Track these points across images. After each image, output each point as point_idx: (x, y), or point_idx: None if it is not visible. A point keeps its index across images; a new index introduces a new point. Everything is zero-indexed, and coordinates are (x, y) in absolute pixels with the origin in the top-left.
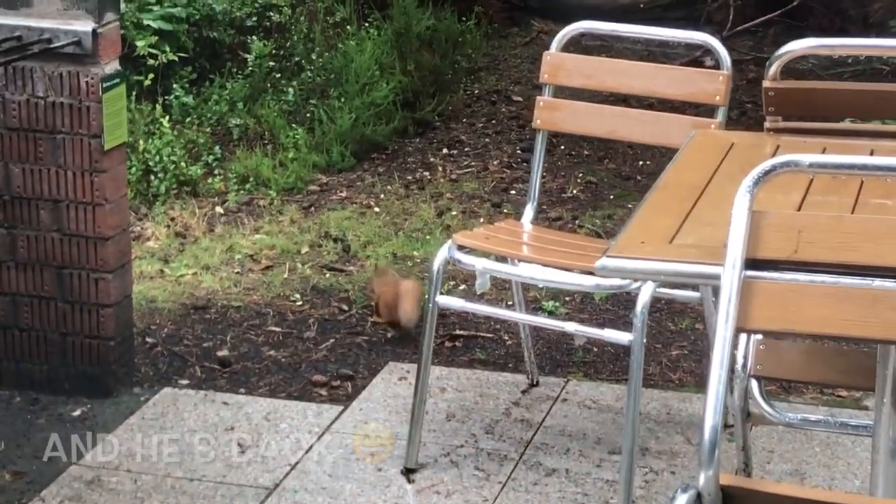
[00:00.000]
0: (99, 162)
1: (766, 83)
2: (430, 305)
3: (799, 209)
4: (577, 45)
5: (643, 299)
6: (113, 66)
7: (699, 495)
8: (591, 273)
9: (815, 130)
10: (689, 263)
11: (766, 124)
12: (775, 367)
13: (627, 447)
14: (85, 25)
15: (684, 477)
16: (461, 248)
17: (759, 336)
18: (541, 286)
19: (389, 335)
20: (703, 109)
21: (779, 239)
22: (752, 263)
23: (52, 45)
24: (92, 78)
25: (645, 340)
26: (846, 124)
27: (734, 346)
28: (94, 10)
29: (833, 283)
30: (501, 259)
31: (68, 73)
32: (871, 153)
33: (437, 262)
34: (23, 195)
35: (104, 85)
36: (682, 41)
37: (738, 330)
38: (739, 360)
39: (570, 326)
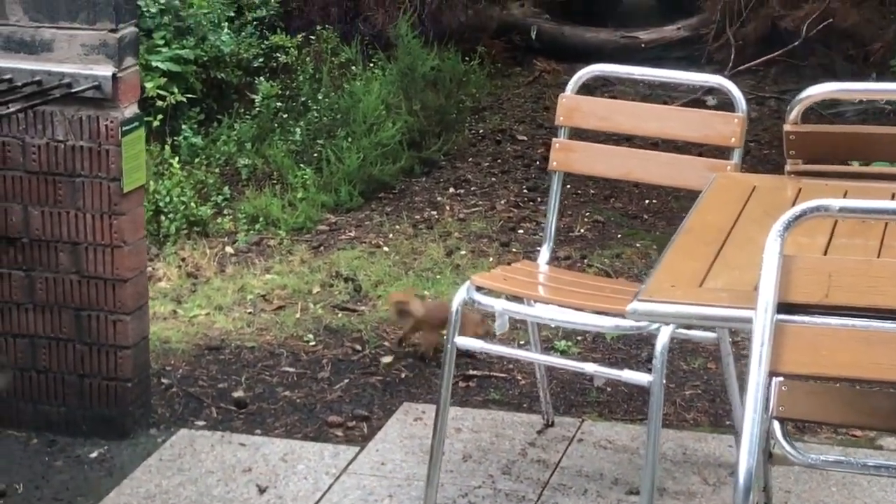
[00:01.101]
0: (118, 205)
1: (787, 127)
2: (449, 346)
3: (825, 252)
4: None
5: (662, 340)
6: (132, 109)
7: None
8: (606, 314)
9: (836, 173)
10: (720, 307)
11: (787, 167)
12: (797, 409)
13: (647, 489)
14: (105, 70)
15: None
16: (479, 289)
17: (782, 378)
18: (556, 326)
19: (403, 375)
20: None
21: (809, 283)
22: (783, 307)
23: (72, 90)
24: (111, 122)
25: (664, 381)
26: (866, 167)
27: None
28: (114, 55)
29: (863, 327)
30: (516, 299)
31: (88, 117)
32: (893, 197)
33: (456, 303)
34: (42, 238)
35: (123, 128)
36: (694, 83)
37: (771, 374)
38: (761, 401)
39: (590, 368)
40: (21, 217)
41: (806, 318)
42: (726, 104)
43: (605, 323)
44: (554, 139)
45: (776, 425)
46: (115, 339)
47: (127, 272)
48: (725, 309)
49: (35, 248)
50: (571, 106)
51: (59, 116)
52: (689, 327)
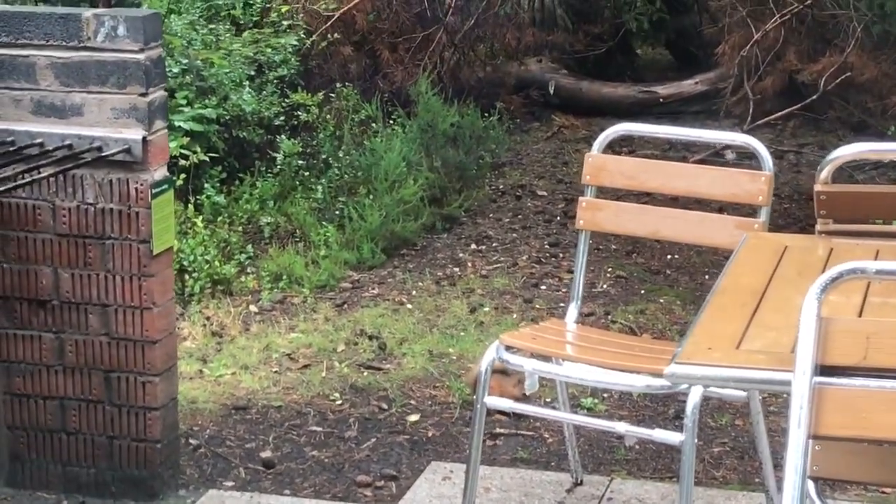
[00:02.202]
0: (147, 266)
1: (817, 187)
2: (479, 406)
3: (860, 312)
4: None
5: (694, 400)
6: (161, 171)
7: None
8: (636, 373)
9: (867, 233)
10: (758, 370)
11: (818, 227)
12: (832, 468)
13: None
14: (135, 133)
15: None
16: (509, 348)
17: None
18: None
19: (430, 434)
20: (735, 207)
21: (848, 345)
22: (821, 369)
23: (103, 154)
24: (141, 184)
25: (695, 440)
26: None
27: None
28: (144, 118)
29: None
30: (545, 358)
31: (118, 180)
32: None
33: (485, 362)
34: (71, 300)
35: (153, 191)
36: (720, 142)
37: (811, 437)
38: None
39: (621, 428)
40: (51, 280)
41: (844, 381)
42: (745, 157)
43: (637, 382)
44: (581, 198)
45: (811, 485)
46: (145, 401)
47: (156, 334)
48: (764, 371)
49: (65, 311)
50: (598, 165)
51: (89, 179)
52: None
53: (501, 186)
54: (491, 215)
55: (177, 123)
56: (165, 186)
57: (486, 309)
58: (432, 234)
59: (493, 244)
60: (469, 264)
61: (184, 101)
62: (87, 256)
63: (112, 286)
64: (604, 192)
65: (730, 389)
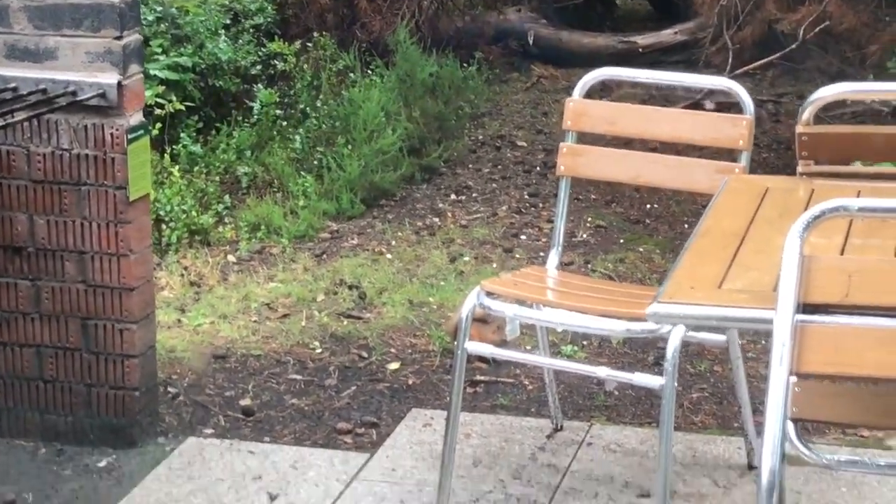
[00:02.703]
0: (124, 213)
1: (798, 128)
2: (460, 352)
3: (842, 252)
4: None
5: (674, 343)
6: (137, 117)
7: None
8: (617, 318)
9: (848, 174)
10: (740, 308)
11: (799, 168)
12: (812, 410)
13: (660, 491)
14: (110, 78)
15: None
16: (490, 294)
17: (795, 378)
18: (563, 331)
19: (410, 381)
20: (716, 153)
21: (830, 283)
22: (803, 307)
23: (77, 98)
24: (117, 130)
25: (675, 384)
26: (878, 168)
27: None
28: (119, 62)
29: (886, 327)
30: (526, 304)
31: (93, 125)
32: None
33: (466, 308)
34: (47, 247)
35: (129, 136)
36: (701, 86)
37: (793, 374)
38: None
39: (602, 372)
40: (27, 226)
41: (827, 318)
42: (724, 108)
43: (617, 327)
44: (561, 144)
45: (790, 426)
46: (123, 349)
47: (133, 281)
48: (746, 310)
49: (41, 258)
50: (579, 110)
51: (63, 125)
52: (698, 330)
53: (481, 137)
54: (470, 166)
55: (152, 72)
56: (141, 132)
57: (466, 259)
58: (411, 185)
59: (473, 194)
60: (449, 214)
61: (159, 50)
62: (63, 203)
63: (88, 233)
64: (584, 141)
65: (710, 334)
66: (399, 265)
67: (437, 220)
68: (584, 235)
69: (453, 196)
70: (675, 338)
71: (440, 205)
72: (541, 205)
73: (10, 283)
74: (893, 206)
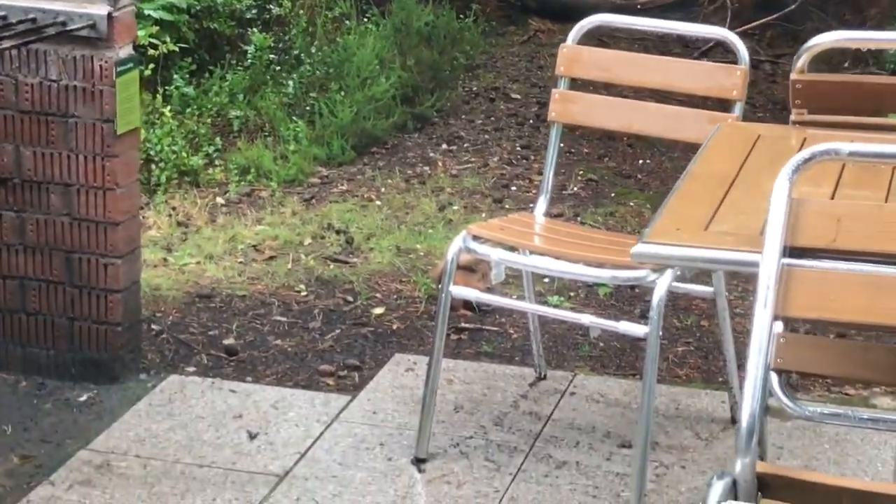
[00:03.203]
0: (111, 146)
1: (793, 76)
2: (444, 296)
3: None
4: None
5: (660, 292)
6: (127, 50)
7: (734, 483)
8: (603, 265)
9: (841, 124)
10: (726, 251)
11: (792, 117)
12: (796, 361)
13: (641, 442)
14: (100, 9)
15: (694, 472)
16: (476, 238)
17: (779, 329)
18: (548, 278)
19: (395, 327)
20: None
21: (818, 227)
22: (790, 251)
23: (67, 28)
24: (106, 62)
25: (660, 332)
26: (872, 118)
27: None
28: None
29: (873, 272)
30: (512, 251)
31: (82, 57)
32: None
33: (452, 252)
34: (33, 178)
35: (118, 69)
36: (695, 35)
37: (777, 318)
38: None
39: (586, 319)
40: (13, 157)
41: (814, 263)
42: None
43: (602, 274)
44: (553, 90)
45: (774, 378)
46: (106, 283)
47: (119, 215)
48: (731, 252)
49: (26, 189)
50: (572, 56)
51: (52, 55)
52: (683, 277)
53: (475, 88)
54: (463, 116)
55: (146, 12)
56: (131, 65)
57: (455, 207)
58: (403, 134)
59: (465, 145)
60: (439, 163)
61: None
62: (50, 134)
63: (75, 166)
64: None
65: (696, 285)
66: (388, 212)
67: (427, 168)
68: (575, 188)
69: (444, 146)
70: (661, 286)
71: (431, 154)
72: (532, 157)
73: None
74: (884, 150)
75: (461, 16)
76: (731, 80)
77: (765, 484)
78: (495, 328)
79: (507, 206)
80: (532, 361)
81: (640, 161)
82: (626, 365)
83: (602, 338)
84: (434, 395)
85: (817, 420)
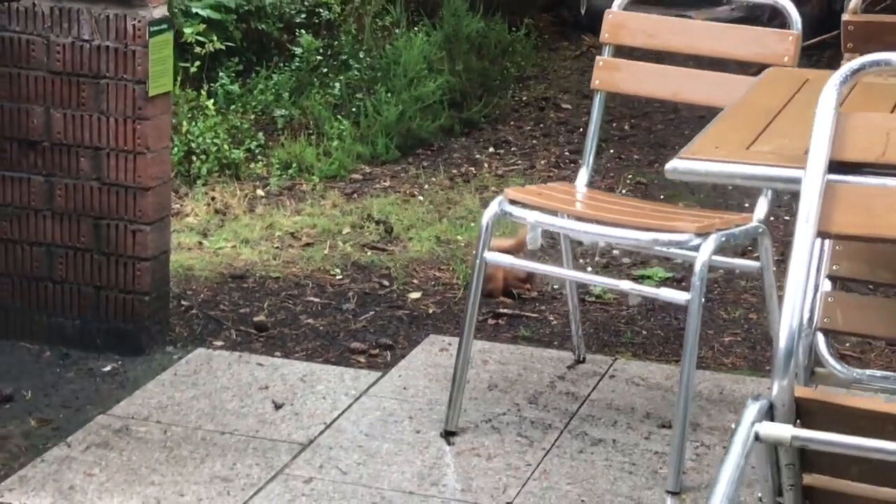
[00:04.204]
0: (143, 109)
1: (845, 17)
2: (478, 261)
3: None
4: None
5: (703, 257)
6: (161, 10)
7: (771, 407)
8: (649, 229)
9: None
10: (766, 166)
11: (844, 61)
12: (843, 321)
13: (681, 410)
14: None
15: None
16: (513, 202)
17: (828, 288)
18: (593, 244)
19: (431, 311)
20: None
21: (866, 141)
22: (836, 167)
23: None
24: (139, 21)
25: (703, 299)
26: None
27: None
28: None
29: None
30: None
31: (115, 16)
32: None
33: (487, 216)
34: (63, 142)
35: (151, 29)
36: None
37: (820, 234)
38: (805, 314)
39: (625, 285)
40: (43, 120)
41: (860, 178)
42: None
43: (643, 237)
44: (598, 57)
45: (820, 338)
46: (134, 250)
47: (149, 181)
48: (772, 168)
49: (56, 153)
50: (618, 22)
51: (85, 14)
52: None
53: (525, 98)
54: (512, 123)
55: (194, 10)
56: (164, 26)
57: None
58: (450, 137)
59: (512, 148)
60: (485, 165)
61: None
62: (81, 96)
63: (105, 128)
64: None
65: (742, 260)
66: (430, 206)
67: (472, 168)
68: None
69: (492, 149)
70: (705, 251)
71: (477, 156)
72: (581, 161)
73: (24, 178)
74: None
75: (513, 28)
76: (783, 45)
77: (803, 410)
78: (534, 315)
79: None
80: (571, 346)
81: None
82: (670, 352)
83: (644, 326)
84: (466, 366)
85: (867, 383)
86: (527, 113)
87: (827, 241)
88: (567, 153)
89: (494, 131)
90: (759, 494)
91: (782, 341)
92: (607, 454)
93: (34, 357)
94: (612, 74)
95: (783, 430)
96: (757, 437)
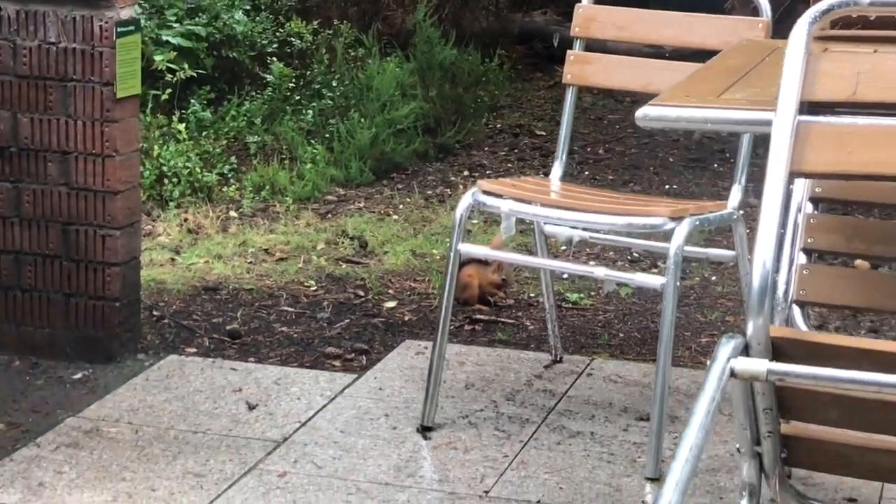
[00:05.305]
0: (111, 111)
1: None
2: (452, 253)
3: None
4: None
5: (677, 241)
6: (128, 11)
7: (747, 348)
8: (624, 214)
9: (865, 38)
10: (738, 109)
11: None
12: (819, 292)
13: (658, 398)
14: None
15: (715, 442)
16: (487, 193)
17: (803, 261)
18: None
19: (407, 318)
20: None
21: (836, 81)
22: (807, 107)
23: None
24: (106, 22)
25: (678, 283)
26: None
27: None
28: None
29: (894, 124)
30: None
31: (82, 18)
32: None
33: (461, 208)
34: (30, 146)
35: (118, 30)
36: None
37: (793, 174)
38: (781, 286)
39: (600, 271)
40: (9, 125)
41: (832, 118)
42: None
43: (618, 221)
44: (569, 51)
45: (796, 311)
46: (104, 256)
47: (118, 184)
48: (744, 111)
49: (23, 158)
50: (588, 15)
51: (51, 17)
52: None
53: (499, 126)
54: (486, 148)
55: (165, 38)
56: (132, 28)
57: (475, 221)
58: (424, 161)
59: (487, 172)
60: (461, 186)
61: (173, 18)
62: (48, 100)
63: (73, 132)
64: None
65: (717, 249)
66: (405, 224)
67: (447, 190)
68: None
69: (466, 172)
70: (679, 235)
71: (452, 178)
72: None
73: None
74: None
75: (486, 59)
76: (753, 32)
77: (779, 349)
78: (511, 321)
79: (527, 221)
80: (548, 348)
81: (668, 186)
82: (646, 352)
83: (620, 328)
84: (442, 360)
85: None
86: (501, 139)
87: (800, 216)
88: (541, 176)
89: (469, 156)
90: (738, 445)
91: (756, 280)
92: (585, 445)
93: (3, 366)
94: (583, 68)
95: (758, 365)
96: (733, 374)
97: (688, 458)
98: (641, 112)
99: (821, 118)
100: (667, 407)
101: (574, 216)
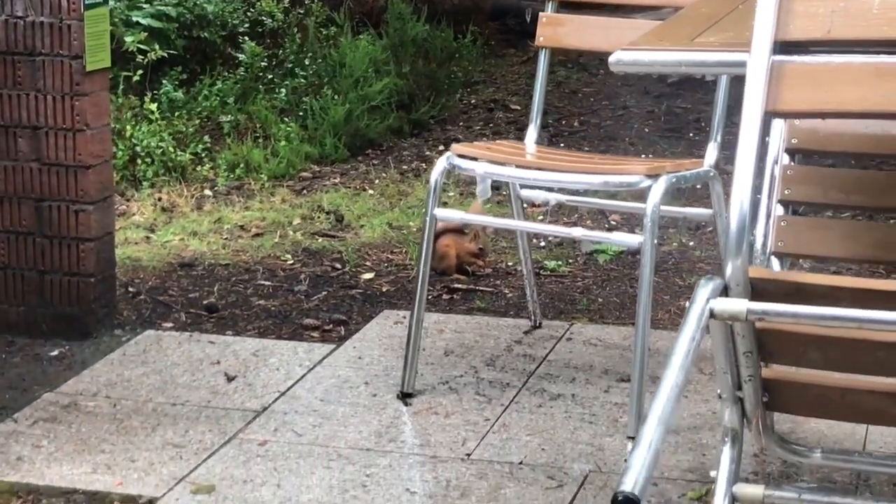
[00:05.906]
0: (80, 85)
1: None
2: (428, 218)
3: None
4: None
5: (654, 198)
6: None
7: (726, 289)
8: (599, 173)
9: None
10: (712, 52)
11: None
12: (797, 244)
13: (638, 354)
14: None
15: (697, 401)
16: (461, 156)
17: (780, 213)
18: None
19: (385, 289)
20: None
21: (810, 19)
22: (781, 47)
23: None
24: None
25: (655, 241)
26: None
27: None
28: None
29: (870, 62)
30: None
31: None
32: None
33: (436, 172)
34: (0, 123)
35: (86, 2)
36: None
37: (768, 114)
38: (759, 238)
39: (577, 232)
40: None
41: (807, 58)
42: None
43: (594, 180)
44: (541, 13)
45: (775, 262)
46: (78, 231)
47: (90, 158)
48: (717, 53)
49: None
50: None
51: None
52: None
53: (473, 101)
54: (461, 124)
55: (135, 19)
56: (99, 0)
57: (451, 193)
58: (399, 137)
59: None
60: (436, 160)
61: (143, 0)
62: (17, 75)
63: (43, 107)
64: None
65: (696, 209)
66: (381, 198)
67: (423, 165)
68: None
69: (441, 147)
70: (656, 192)
71: (427, 153)
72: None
73: None
74: None
75: (459, 36)
76: None
77: (758, 290)
78: (489, 289)
79: (504, 193)
80: (527, 313)
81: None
82: (625, 316)
83: (599, 294)
84: (420, 327)
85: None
86: (476, 114)
87: (777, 168)
88: (517, 141)
89: (444, 131)
90: (719, 391)
91: (733, 221)
92: (567, 407)
93: None
94: (555, 30)
95: (738, 305)
96: (712, 314)
97: (669, 396)
98: (615, 57)
99: (796, 57)
100: (647, 367)
101: (549, 176)
